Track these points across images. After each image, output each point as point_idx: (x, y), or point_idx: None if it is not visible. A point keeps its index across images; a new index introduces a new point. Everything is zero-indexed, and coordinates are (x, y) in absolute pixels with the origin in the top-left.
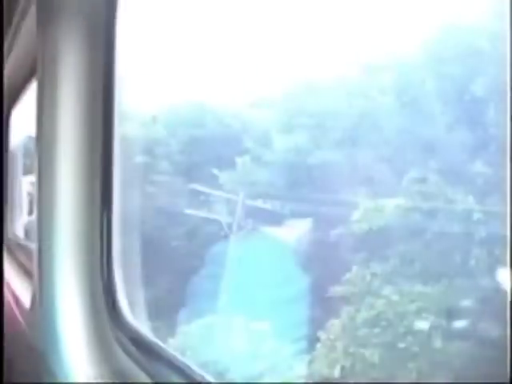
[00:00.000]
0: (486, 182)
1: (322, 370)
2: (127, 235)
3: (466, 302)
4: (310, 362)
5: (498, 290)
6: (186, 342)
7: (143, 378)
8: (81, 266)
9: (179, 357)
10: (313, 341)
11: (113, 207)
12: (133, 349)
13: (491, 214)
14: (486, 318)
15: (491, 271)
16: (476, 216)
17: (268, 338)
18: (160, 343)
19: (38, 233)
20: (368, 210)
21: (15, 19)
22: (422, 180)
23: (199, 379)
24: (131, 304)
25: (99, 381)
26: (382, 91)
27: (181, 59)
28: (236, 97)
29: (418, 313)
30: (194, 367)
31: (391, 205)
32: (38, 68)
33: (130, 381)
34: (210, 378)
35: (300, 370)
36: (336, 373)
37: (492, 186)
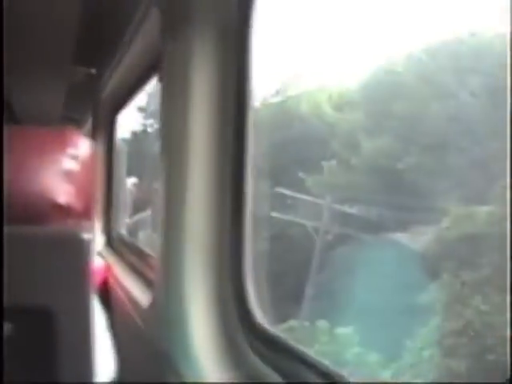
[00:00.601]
0: None
1: (409, 380)
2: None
3: None
4: (397, 371)
5: None
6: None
7: (278, 379)
8: (210, 268)
9: (315, 356)
10: (399, 348)
11: (244, 209)
12: (266, 351)
13: None
14: None
15: None
16: None
17: (353, 344)
18: (295, 344)
19: (164, 234)
20: (458, 216)
21: (135, 21)
22: None
23: (337, 378)
24: (262, 306)
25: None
26: (472, 94)
27: (271, 61)
28: (322, 99)
29: (508, 324)
30: (331, 366)
31: (483, 211)
32: (165, 70)
33: (262, 382)
34: (347, 377)
35: (386, 378)
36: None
37: None
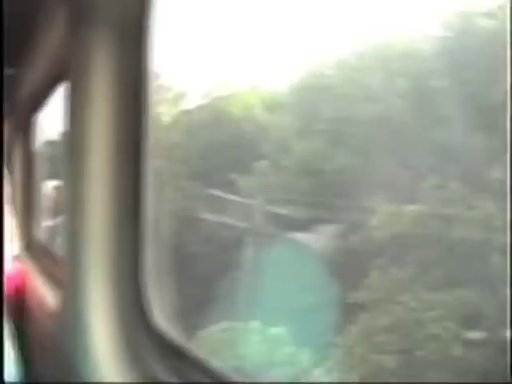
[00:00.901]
0: (505, 188)
1: (341, 377)
2: (156, 241)
3: (486, 309)
4: (328, 368)
5: None
6: (205, 347)
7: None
8: (111, 272)
9: (212, 361)
10: (331, 347)
11: (144, 213)
12: (164, 354)
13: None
14: (505, 325)
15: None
16: (496, 223)
17: (285, 344)
18: (192, 348)
19: (67, 238)
20: (387, 215)
21: (41, 23)
22: (442, 186)
23: (232, 382)
24: (161, 310)
25: None
26: (400, 96)
27: (200, 63)
28: (254, 101)
29: (437, 320)
30: (227, 370)
31: (410, 211)
32: (70, 71)
33: None
34: (243, 380)
35: (318, 376)
36: (354, 379)
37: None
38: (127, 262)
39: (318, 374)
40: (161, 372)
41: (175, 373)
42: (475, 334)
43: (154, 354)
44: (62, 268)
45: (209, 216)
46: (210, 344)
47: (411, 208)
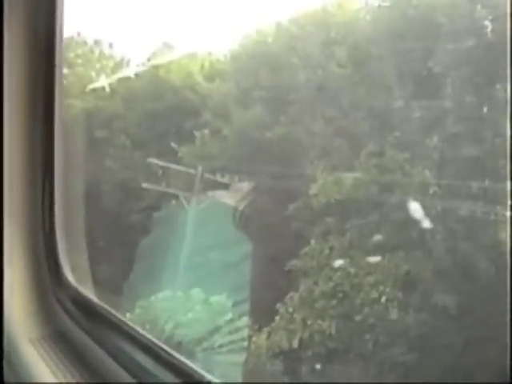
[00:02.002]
0: (442, 156)
1: (281, 342)
2: (72, 205)
3: (422, 274)
4: (269, 334)
5: (454, 263)
6: (144, 316)
7: (84, 339)
8: (23, 231)
9: (123, 318)
10: (272, 313)
11: (55, 176)
12: (75, 310)
13: (447, 187)
14: (440, 289)
15: (447, 243)
16: (432, 190)
17: (226, 311)
18: (104, 305)
19: None
20: (326, 183)
21: None
22: (380, 154)
23: (143, 339)
24: (75, 268)
25: (41, 342)
26: (339, 64)
27: (137, 29)
28: (194, 69)
29: (375, 285)
30: (138, 328)
31: (349, 178)
32: None
33: (70, 341)
34: (153, 339)
35: (259, 342)
36: (295, 344)
37: (448, 160)
38: (39, 219)
39: (258, 340)
40: (73, 328)
41: (87, 330)
42: (411, 298)
43: (66, 310)
44: None
45: (149, 185)
46: (148, 313)
47: (350, 175)
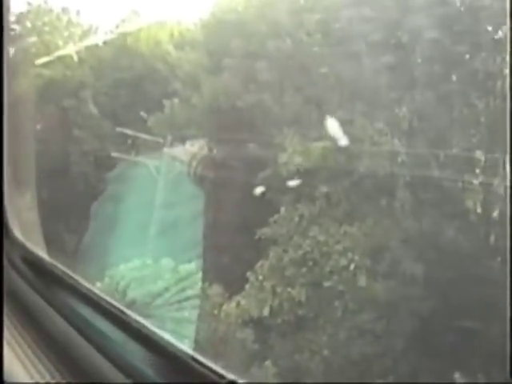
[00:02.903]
0: (410, 126)
1: (251, 310)
2: (23, 166)
3: (391, 242)
4: (239, 302)
5: (422, 231)
6: (113, 285)
7: (35, 298)
8: None
9: (73, 274)
10: (242, 281)
11: (3, 141)
12: (25, 268)
13: (415, 156)
14: (408, 257)
15: (415, 211)
16: (401, 158)
17: (196, 280)
18: (55, 262)
19: None
20: (295, 152)
21: None
22: (349, 122)
23: (94, 297)
24: (26, 225)
25: None
26: (308, 33)
27: None
28: (163, 37)
29: (344, 253)
30: (90, 285)
31: (318, 147)
32: None
33: (20, 300)
34: (106, 297)
35: (229, 310)
36: (265, 312)
37: (417, 129)
38: None
39: (227, 308)
40: (23, 286)
41: (38, 289)
42: (380, 266)
43: (16, 268)
44: None
45: (117, 154)
46: (117, 282)
47: (319, 144)
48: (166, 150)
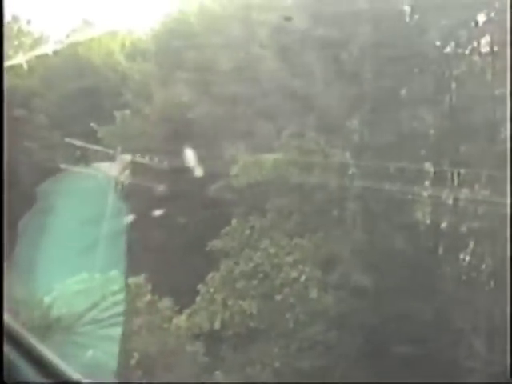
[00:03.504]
0: (361, 138)
1: (202, 323)
2: None
3: (341, 254)
4: (190, 315)
5: (372, 243)
6: (63, 302)
7: None
8: None
9: None
10: (193, 294)
11: None
12: None
13: (366, 168)
14: (359, 268)
15: (365, 223)
16: (351, 170)
17: (145, 292)
18: None
19: None
20: (247, 164)
21: None
22: (300, 135)
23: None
24: None
25: None
26: (261, 45)
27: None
28: (114, 47)
29: (295, 265)
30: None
31: (269, 159)
32: None
33: None
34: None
35: (180, 323)
36: (216, 325)
37: (367, 142)
38: None
39: (178, 322)
40: None
41: None
42: (330, 278)
43: None
44: None
45: (67, 166)
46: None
47: (270, 156)
48: (94, 164)
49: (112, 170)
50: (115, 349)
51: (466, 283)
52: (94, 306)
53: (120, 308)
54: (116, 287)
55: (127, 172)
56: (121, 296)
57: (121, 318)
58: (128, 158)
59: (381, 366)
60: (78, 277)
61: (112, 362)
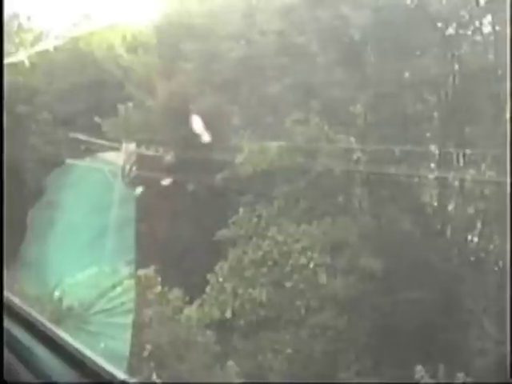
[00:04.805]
0: (365, 123)
1: (213, 313)
2: None
3: (349, 239)
4: (201, 305)
5: (379, 226)
6: (72, 294)
7: None
8: None
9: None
10: (202, 284)
11: None
12: None
13: (371, 153)
14: (367, 253)
15: (372, 208)
16: (356, 155)
17: (155, 284)
18: None
19: None
20: (252, 152)
21: None
22: (304, 121)
23: (23, 313)
24: None
25: None
26: (262, 34)
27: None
28: (115, 40)
29: (303, 251)
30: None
31: (274, 147)
32: None
33: None
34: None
35: (190, 314)
36: (227, 314)
37: (371, 127)
38: None
39: (189, 312)
40: None
41: None
42: (339, 263)
43: None
44: None
45: (72, 161)
46: (76, 291)
47: (275, 144)
48: (100, 154)
49: (118, 159)
50: (127, 336)
51: (474, 264)
52: (104, 295)
53: (129, 296)
54: (124, 276)
55: (133, 158)
56: (129, 284)
57: (130, 306)
58: (133, 145)
59: (392, 350)
60: (88, 270)
61: (124, 349)
